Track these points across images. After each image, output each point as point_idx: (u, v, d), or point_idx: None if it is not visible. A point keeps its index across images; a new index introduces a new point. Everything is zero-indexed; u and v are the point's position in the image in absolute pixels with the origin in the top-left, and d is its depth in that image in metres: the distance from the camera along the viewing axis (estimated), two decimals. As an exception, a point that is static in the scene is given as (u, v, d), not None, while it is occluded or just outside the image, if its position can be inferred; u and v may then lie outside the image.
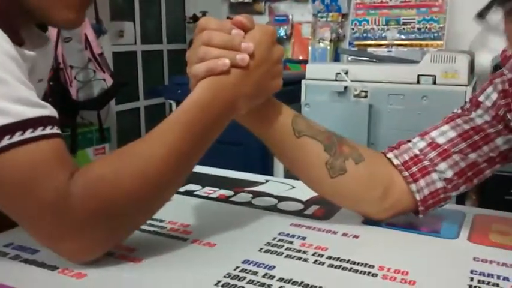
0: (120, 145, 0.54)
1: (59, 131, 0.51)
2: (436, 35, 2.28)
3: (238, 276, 0.52)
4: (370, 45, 2.47)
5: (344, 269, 0.54)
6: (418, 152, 0.67)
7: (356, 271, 0.54)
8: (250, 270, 0.53)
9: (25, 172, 0.48)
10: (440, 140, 0.67)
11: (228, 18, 0.62)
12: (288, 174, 0.70)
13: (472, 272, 0.54)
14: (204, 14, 2.84)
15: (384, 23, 2.44)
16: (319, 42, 2.71)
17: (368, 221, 0.69)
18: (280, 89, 0.61)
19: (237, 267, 0.54)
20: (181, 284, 0.51)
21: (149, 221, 0.66)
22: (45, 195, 0.48)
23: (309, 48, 2.76)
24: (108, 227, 0.51)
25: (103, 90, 2.16)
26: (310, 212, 0.73)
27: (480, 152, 0.66)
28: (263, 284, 0.50)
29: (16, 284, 0.49)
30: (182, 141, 0.53)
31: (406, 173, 0.67)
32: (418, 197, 0.66)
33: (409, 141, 0.70)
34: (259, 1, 2.92)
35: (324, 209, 0.73)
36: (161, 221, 0.67)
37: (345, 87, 1.86)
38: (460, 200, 1.85)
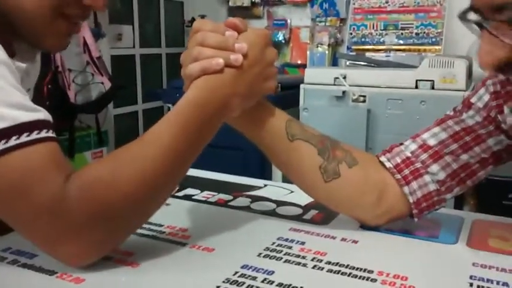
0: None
1: (54, 135, 0.51)
2: (434, 40, 2.29)
3: (237, 281, 0.52)
4: (368, 50, 2.48)
5: (343, 274, 0.54)
6: (409, 155, 0.67)
7: (355, 276, 0.54)
8: (249, 275, 0.53)
9: (21, 176, 0.48)
10: (432, 142, 0.67)
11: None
12: (287, 179, 0.70)
13: (471, 277, 0.54)
14: (202, 17, 2.84)
15: (382, 28, 2.45)
16: (317, 47, 2.72)
17: (367, 226, 0.69)
18: (275, 91, 0.62)
19: (236, 272, 0.53)
20: (180, 289, 0.51)
21: (148, 226, 0.66)
22: (42, 199, 0.48)
23: (308, 52, 2.77)
24: (105, 229, 0.51)
25: (101, 93, 2.16)
26: (309, 216, 0.73)
27: (472, 153, 0.66)
28: (262, 289, 0.50)
29: (14, 288, 0.49)
30: (177, 142, 0.53)
31: (398, 176, 0.66)
32: (411, 199, 0.66)
33: (401, 144, 0.70)
34: (258, 5, 2.93)
35: (322, 214, 0.73)
36: (160, 225, 0.67)
37: (343, 92, 1.87)
38: (458, 205, 1.85)
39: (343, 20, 2.69)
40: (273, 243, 0.62)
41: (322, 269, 0.55)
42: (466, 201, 2.02)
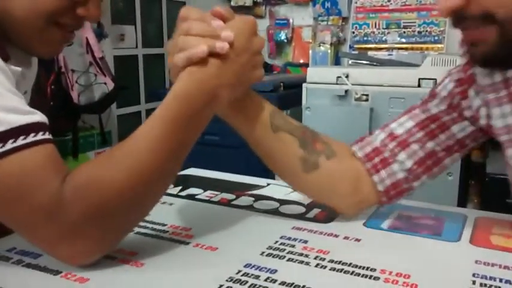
0: (121, 149, 0.54)
1: (50, 137, 0.52)
2: (436, 38, 2.29)
3: (240, 280, 0.52)
4: (370, 49, 2.47)
5: (346, 272, 0.54)
6: (378, 144, 0.70)
7: (358, 274, 0.54)
8: (252, 274, 0.53)
9: (19, 179, 0.48)
10: (399, 131, 0.70)
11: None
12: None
13: (474, 275, 0.54)
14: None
15: (385, 27, 2.45)
16: (319, 46, 2.72)
17: (370, 224, 0.69)
18: (262, 79, 0.62)
19: (239, 271, 0.54)
20: (183, 288, 0.51)
21: (151, 225, 0.66)
22: (40, 201, 0.48)
23: (310, 51, 2.77)
24: (103, 227, 0.52)
25: (104, 94, 2.17)
26: (312, 215, 0.73)
27: (437, 141, 0.69)
28: (265, 288, 0.50)
29: (19, 288, 0.50)
30: (168, 136, 0.53)
31: (368, 165, 0.69)
32: (380, 187, 0.68)
33: (372, 134, 0.72)
34: (260, 5, 2.93)
35: (325, 212, 0.73)
36: (163, 224, 0.67)
37: (346, 91, 1.87)
38: (462, 202, 1.85)
39: (345, 19, 2.68)
40: (276, 241, 0.62)
41: (325, 267, 0.56)
42: (469, 199, 2.01)
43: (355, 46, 2.50)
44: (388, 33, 2.44)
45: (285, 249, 0.60)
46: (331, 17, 2.70)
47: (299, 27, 2.87)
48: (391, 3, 2.44)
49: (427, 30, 2.32)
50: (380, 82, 1.83)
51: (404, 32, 2.40)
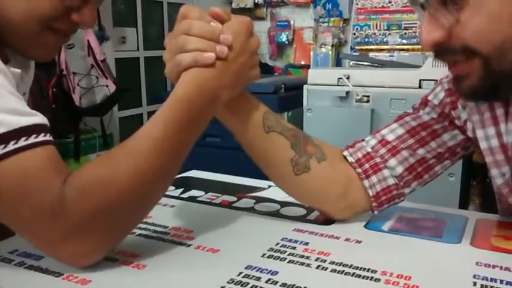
0: (123, 151, 0.54)
1: (51, 138, 0.52)
2: (437, 39, 2.29)
3: (241, 281, 0.52)
4: (371, 50, 2.48)
5: (347, 274, 0.54)
6: (370, 150, 0.70)
7: (359, 276, 0.54)
8: (253, 276, 0.53)
9: (21, 180, 0.49)
10: (390, 137, 0.70)
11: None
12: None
13: (474, 276, 0.54)
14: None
15: (386, 28, 2.45)
16: (321, 47, 2.72)
17: (370, 226, 0.69)
18: (258, 78, 0.62)
19: (240, 273, 0.54)
20: (184, 290, 0.51)
21: (153, 227, 0.67)
22: (42, 202, 0.49)
23: (311, 53, 2.77)
24: (105, 228, 0.52)
25: (106, 96, 2.17)
26: (313, 217, 0.73)
27: (428, 148, 0.69)
28: (266, 290, 0.50)
29: (21, 290, 0.50)
30: (169, 137, 0.53)
31: (359, 170, 0.69)
32: (370, 192, 0.69)
33: (363, 140, 0.73)
34: (261, 6, 2.93)
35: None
36: (164, 227, 0.67)
37: (347, 92, 1.87)
38: (463, 203, 1.84)
39: (346, 21, 2.69)
40: (277, 243, 0.62)
41: (326, 269, 0.56)
42: (471, 201, 2.01)
43: (356, 47, 2.51)
44: (389, 34, 2.44)
45: (286, 251, 0.60)
46: (332, 19, 2.71)
47: (300, 29, 2.87)
48: (392, 5, 2.44)
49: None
50: (381, 83, 1.83)
51: (405, 33, 2.40)
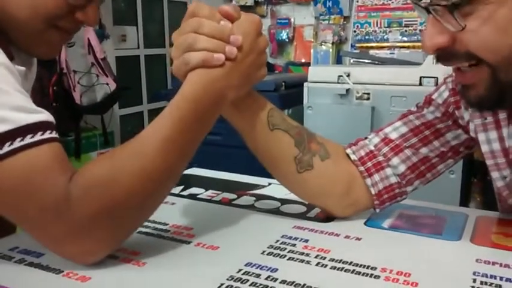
0: (124, 149, 0.54)
1: (57, 135, 0.52)
2: (438, 36, 2.28)
3: (241, 278, 0.52)
4: (372, 48, 2.47)
5: (347, 271, 0.55)
6: (373, 148, 0.70)
7: (358, 273, 0.54)
8: (253, 273, 0.53)
9: (27, 177, 0.49)
10: (393, 136, 0.70)
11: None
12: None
13: (474, 273, 0.54)
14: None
15: (386, 25, 2.45)
16: (321, 45, 2.72)
17: (370, 223, 0.69)
18: (265, 77, 0.62)
19: (240, 270, 0.54)
20: (184, 287, 0.51)
21: (153, 225, 0.67)
22: (47, 199, 0.49)
23: (311, 51, 2.77)
24: (110, 226, 0.52)
25: (106, 94, 2.17)
26: (313, 214, 0.73)
27: (431, 147, 0.69)
28: (266, 287, 0.50)
29: (21, 287, 0.50)
30: (175, 136, 0.53)
31: (362, 168, 0.69)
32: (373, 191, 0.69)
33: (366, 138, 0.73)
34: (261, 4, 2.93)
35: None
36: (165, 224, 0.67)
37: (347, 90, 1.87)
38: (464, 201, 1.84)
39: (346, 18, 2.69)
40: (277, 241, 0.63)
41: (326, 266, 0.56)
42: (472, 197, 2.01)
43: (357, 45, 2.50)
44: (390, 31, 2.44)
45: (285, 248, 0.60)
46: (332, 16, 2.70)
47: (300, 27, 2.87)
48: (392, 2, 2.44)
49: (428, 29, 2.32)
50: (381, 81, 1.83)
51: (405, 31, 2.40)
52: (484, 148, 0.65)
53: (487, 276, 0.54)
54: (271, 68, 2.88)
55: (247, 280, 0.52)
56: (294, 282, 0.51)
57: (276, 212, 0.75)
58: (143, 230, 0.65)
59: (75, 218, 0.49)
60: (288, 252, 0.59)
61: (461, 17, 0.52)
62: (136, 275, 0.53)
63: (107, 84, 2.17)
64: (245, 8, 2.86)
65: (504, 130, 0.64)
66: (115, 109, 2.50)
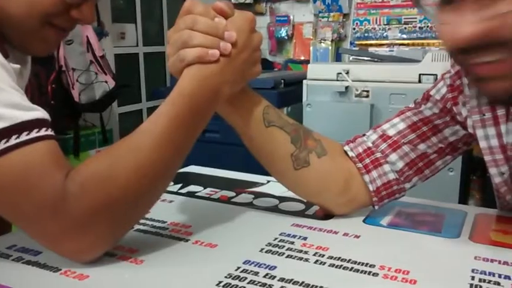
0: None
1: (52, 133, 0.52)
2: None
3: (239, 276, 0.52)
4: (371, 45, 2.47)
5: (345, 268, 0.54)
6: (370, 145, 0.70)
7: (357, 271, 0.54)
8: (251, 271, 0.53)
9: (23, 174, 0.48)
10: (391, 132, 0.70)
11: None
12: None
13: (473, 270, 0.54)
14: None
15: (385, 23, 2.44)
16: (320, 42, 2.72)
17: (369, 221, 0.69)
18: (260, 74, 0.63)
19: (238, 268, 0.54)
20: (182, 285, 0.51)
21: (151, 222, 0.66)
22: (44, 197, 0.49)
23: (311, 48, 2.77)
24: (107, 223, 0.52)
25: (105, 92, 2.17)
26: (312, 212, 0.73)
27: (429, 143, 0.69)
28: (264, 284, 0.50)
29: (18, 285, 0.50)
30: (171, 132, 0.53)
31: (360, 165, 0.69)
32: (371, 187, 0.69)
33: (364, 134, 0.72)
34: (260, 2, 2.92)
35: (325, 209, 0.73)
36: (163, 222, 0.67)
37: (347, 87, 1.87)
38: (463, 198, 1.84)
39: (346, 15, 2.68)
40: (275, 238, 0.62)
41: (324, 264, 0.56)
42: (471, 195, 2.01)
43: (356, 42, 2.50)
44: (389, 29, 2.44)
45: (284, 246, 0.60)
46: (331, 14, 2.70)
47: (300, 24, 2.87)
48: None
49: (427, 26, 2.32)
50: (380, 78, 1.83)
51: (405, 28, 2.39)
52: (482, 144, 0.65)
53: (485, 274, 0.53)
54: (270, 65, 2.88)
55: (246, 278, 0.52)
56: (292, 279, 0.51)
57: (274, 209, 0.75)
58: (141, 227, 0.65)
59: (71, 215, 0.49)
60: (287, 249, 0.59)
61: (489, 1, 0.47)
62: (134, 272, 0.53)
63: (106, 82, 2.17)
64: (244, 6, 2.86)
65: (502, 126, 0.63)
66: (114, 107, 2.49)
